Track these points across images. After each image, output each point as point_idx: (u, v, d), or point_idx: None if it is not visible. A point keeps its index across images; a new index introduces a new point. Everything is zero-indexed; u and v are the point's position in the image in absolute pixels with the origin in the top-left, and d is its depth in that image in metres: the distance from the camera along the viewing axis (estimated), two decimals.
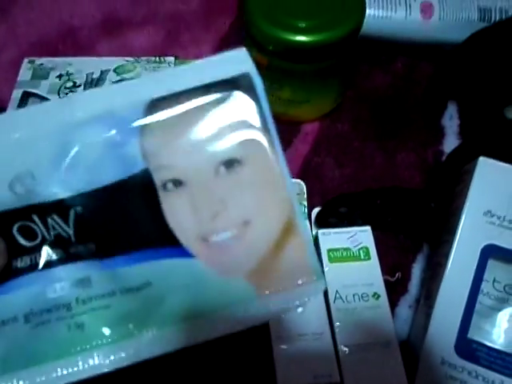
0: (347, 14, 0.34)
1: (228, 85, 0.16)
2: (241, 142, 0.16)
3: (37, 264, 0.14)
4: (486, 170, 0.30)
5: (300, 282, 0.17)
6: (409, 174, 0.40)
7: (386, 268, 0.33)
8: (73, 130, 0.15)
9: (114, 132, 0.16)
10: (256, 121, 0.16)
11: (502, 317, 0.28)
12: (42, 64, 0.43)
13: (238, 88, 0.16)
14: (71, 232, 0.15)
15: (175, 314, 0.15)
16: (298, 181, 0.37)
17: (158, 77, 0.16)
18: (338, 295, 0.30)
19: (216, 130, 0.16)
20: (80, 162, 0.15)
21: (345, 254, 0.32)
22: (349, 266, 0.31)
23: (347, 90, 0.43)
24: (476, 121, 0.40)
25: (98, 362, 0.14)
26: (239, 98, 0.16)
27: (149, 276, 0.15)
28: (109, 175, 0.16)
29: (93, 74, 0.41)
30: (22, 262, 0.14)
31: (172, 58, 0.44)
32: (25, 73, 0.42)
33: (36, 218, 0.14)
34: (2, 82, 0.44)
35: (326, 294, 0.31)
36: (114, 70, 0.42)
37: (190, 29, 0.49)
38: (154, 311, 0.15)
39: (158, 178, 0.16)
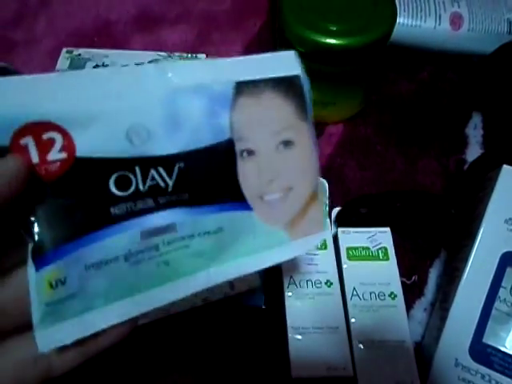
0: (378, 21, 0.35)
1: (286, 82, 0.21)
2: (294, 129, 0.22)
3: (132, 211, 0.18)
4: (509, 178, 0.31)
5: (316, 230, 0.23)
6: (429, 180, 0.40)
7: (403, 270, 0.34)
8: (176, 94, 0.19)
9: (211, 103, 0.19)
10: (304, 114, 0.22)
11: None
12: (79, 54, 0.45)
13: (292, 86, 0.22)
14: (171, 183, 0.18)
15: (238, 252, 0.20)
16: (321, 179, 0.38)
17: (241, 62, 0.21)
18: (355, 292, 0.31)
19: (280, 116, 0.22)
20: (186, 123, 0.19)
21: (364, 252, 0.32)
22: (367, 264, 0.32)
23: (372, 94, 0.44)
24: (500, 132, 0.40)
25: (183, 288, 0.19)
26: (294, 95, 0.22)
27: (221, 223, 0.20)
28: (205, 139, 0.19)
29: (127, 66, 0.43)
30: (117, 210, 0.17)
31: (203, 55, 0.45)
32: (63, 62, 0.44)
33: (137, 170, 0.18)
34: (40, 70, 0.45)
35: (343, 290, 0.31)
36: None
37: (220, 28, 0.51)
38: (223, 250, 0.20)
39: (238, 147, 0.20)
